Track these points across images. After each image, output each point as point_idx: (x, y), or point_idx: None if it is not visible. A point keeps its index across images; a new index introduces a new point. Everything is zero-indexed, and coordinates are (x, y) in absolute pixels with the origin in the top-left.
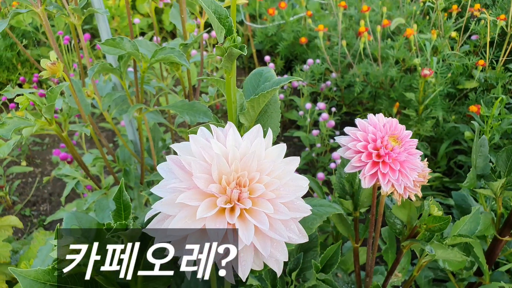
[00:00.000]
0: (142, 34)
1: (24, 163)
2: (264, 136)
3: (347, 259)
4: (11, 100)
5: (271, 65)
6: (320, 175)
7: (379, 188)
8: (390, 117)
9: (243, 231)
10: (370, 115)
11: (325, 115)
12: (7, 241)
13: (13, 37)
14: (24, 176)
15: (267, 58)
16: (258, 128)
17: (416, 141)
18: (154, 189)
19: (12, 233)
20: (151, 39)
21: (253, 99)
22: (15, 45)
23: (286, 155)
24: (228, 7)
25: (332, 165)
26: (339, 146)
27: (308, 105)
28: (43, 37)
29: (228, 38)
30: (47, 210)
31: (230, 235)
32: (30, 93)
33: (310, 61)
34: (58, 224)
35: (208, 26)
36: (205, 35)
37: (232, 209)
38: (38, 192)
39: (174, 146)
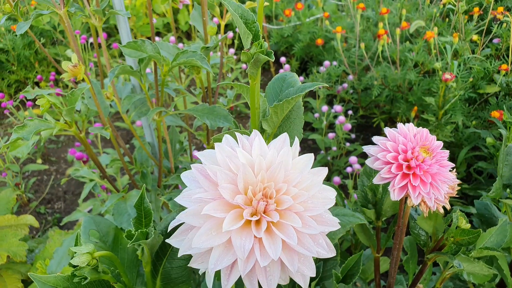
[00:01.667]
0: (158, 33)
1: (39, 160)
2: (290, 145)
3: (366, 268)
4: (28, 97)
5: (286, 66)
6: (336, 179)
7: (406, 198)
8: (410, 122)
9: (270, 246)
10: (400, 125)
11: (341, 118)
12: (23, 240)
13: (33, 36)
14: (40, 173)
15: (282, 59)
16: (284, 136)
17: (447, 152)
18: (178, 199)
19: (28, 231)
20: (168, 41)
21: (276, 105)
22: (33, 43)
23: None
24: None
25: (349, 169)
26: (355, 150)
27: (325, 108)
28: (60, 36)
29: (255, 43)
30: (61, 208)
31: (256, 249)
32: (48, 94)
33: (326, 63)
34: (78, 232)
35: (227, 27)
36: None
37: (258, 222)
38: (53, 189)
39: (199, 154)
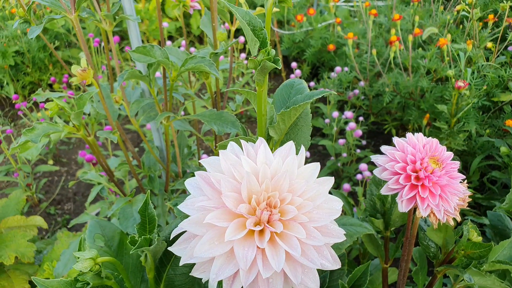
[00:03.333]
0: (170, 37)
1: (51, 162)
2: (296, 153)
3: (374, 279)
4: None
5: (298, 71)
6: (346, 186)
7: (415, 209)
8: (420, 132)
9: (273, 257)
10: (409, 134)
11: (352, 124)
12: (31, 241)
13: (45, 40)
14: (51, 174)
15: (293, 64)
16: (290, 144)
17: (458, 163)
18: (181, 207)
19: (37, 232)
20: (179, 46)
21: (284, 112)
22: (47, 46)
23: (308, 163)
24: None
25: (359, 176)
26: (365, 157)
27: (335, 114)
28: (74, 39)
29: (262, 51)
30: (70, 209)
31: (259, 260)
32: (59, 97)
33: (338, 68)
34: (82, 236)
35: (238, 32)
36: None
37: (262, 232)
38: (63, 191)
39: (204, 162)
